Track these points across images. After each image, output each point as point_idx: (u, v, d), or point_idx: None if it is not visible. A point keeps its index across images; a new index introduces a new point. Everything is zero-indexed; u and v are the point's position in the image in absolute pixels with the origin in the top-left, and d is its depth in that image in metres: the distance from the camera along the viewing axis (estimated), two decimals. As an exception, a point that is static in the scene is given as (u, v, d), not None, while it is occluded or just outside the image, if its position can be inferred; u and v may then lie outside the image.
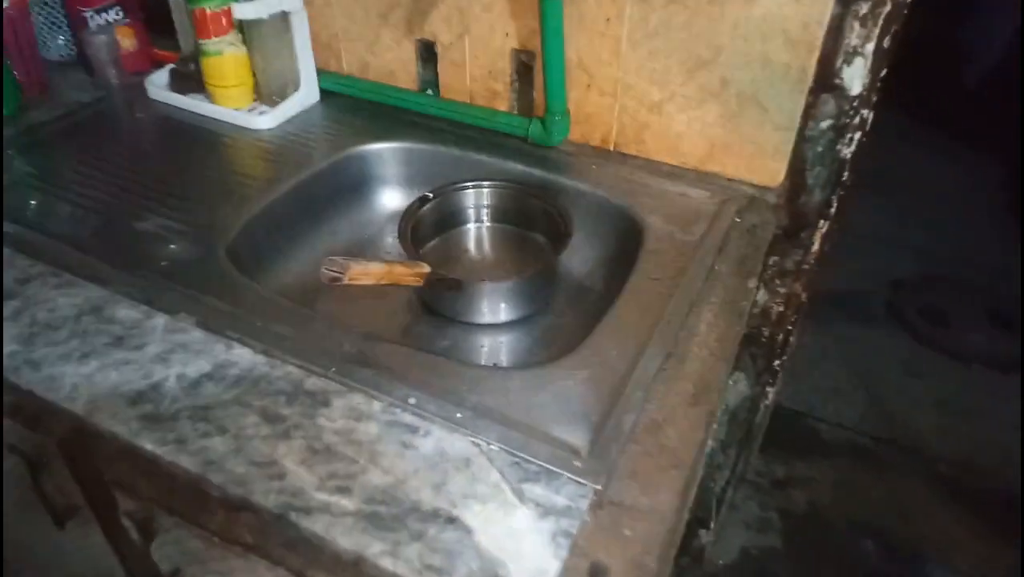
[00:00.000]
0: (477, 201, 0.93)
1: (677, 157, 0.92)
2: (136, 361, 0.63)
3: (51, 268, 0.74)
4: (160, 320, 0.67)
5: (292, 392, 0.60)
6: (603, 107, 0.92)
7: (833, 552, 1.42)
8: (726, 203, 0.87)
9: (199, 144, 0.98)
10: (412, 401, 0.59)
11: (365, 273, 0.68)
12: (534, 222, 0.92)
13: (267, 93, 1.02)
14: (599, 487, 0.52)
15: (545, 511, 0.51)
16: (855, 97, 0.81)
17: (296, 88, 1.02)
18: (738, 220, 0.84)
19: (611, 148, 0.95)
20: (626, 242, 0.86)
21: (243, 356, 0.63)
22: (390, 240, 0.97)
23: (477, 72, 0.98)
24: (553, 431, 0.57)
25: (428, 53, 1.00)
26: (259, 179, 0.92)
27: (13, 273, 0.73)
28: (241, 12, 0.91)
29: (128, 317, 0.68)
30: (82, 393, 0.60)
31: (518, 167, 0.94)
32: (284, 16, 0.96)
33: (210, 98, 1.02)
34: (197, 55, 1.00)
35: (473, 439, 0.56)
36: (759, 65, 0.81)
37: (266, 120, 0.99)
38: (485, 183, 0.92)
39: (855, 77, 0.79)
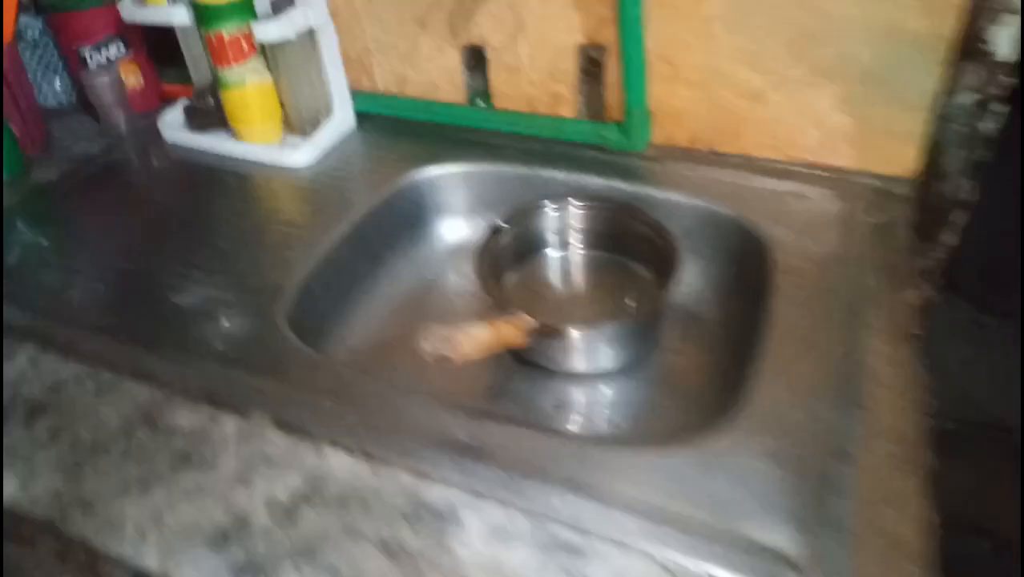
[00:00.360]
0: (559, 224, 0.81)
1: (785, 151, 0.79)
2: (211, 486, 0.51)
3: (85, 367, 0.62)
4: (230, 423, 0.56)
5: (411, 510, 0.48)
6: (691, 101, 0.80)
7: (948, 559, 1.31)
8: (852, 201, 0.74)
9: (229, 190, 0.86)
10: (561, 509, 0.47)
11: (473, 342, 0.56)
12: (628, 245, 0.79)
13: (298, 123, 0.90)
14: (847, 619, 0.40)
15: (782, 659, 0.39)
16: (1003, 64, 0.68)
17: (329, 114, 0.90)
18: (871, 220, 0.72)
19: (702, 148, 0.83)
20: (743, 259, 0.74)
21: (339, 464, 0.52)
22: (454, 279, 0.85)
23: (536, 75, 0.85)
24: (749, 531, 0.46)
25: (476, 59, 0.87)
26: (306, 227, 0.79)
27: (42, 378, 0.61)
28: (264, 33, 0.79)
29: (190, 424, 0.56)
30: (151, 538, 0.48)
31: (598, 181, 0.82)
32: (310, 33, 0.84)
33: (234, 135, 0.90)
34: (214, 87, 0.88)
35: (654, 556, 0.44)
36: (884, 35, 0.69)
37: (302, 155, 0.87)
38: (564, 203, 0.80)
39: (1005, 39, 0.67)
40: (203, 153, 0.91)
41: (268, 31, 0.78)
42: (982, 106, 0.71)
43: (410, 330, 0.78)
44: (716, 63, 0.76)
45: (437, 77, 0.90)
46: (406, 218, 0.86)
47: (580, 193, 0.81)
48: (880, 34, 0.69)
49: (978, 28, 0.67)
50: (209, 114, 0.90)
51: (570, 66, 0.82)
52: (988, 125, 0.72)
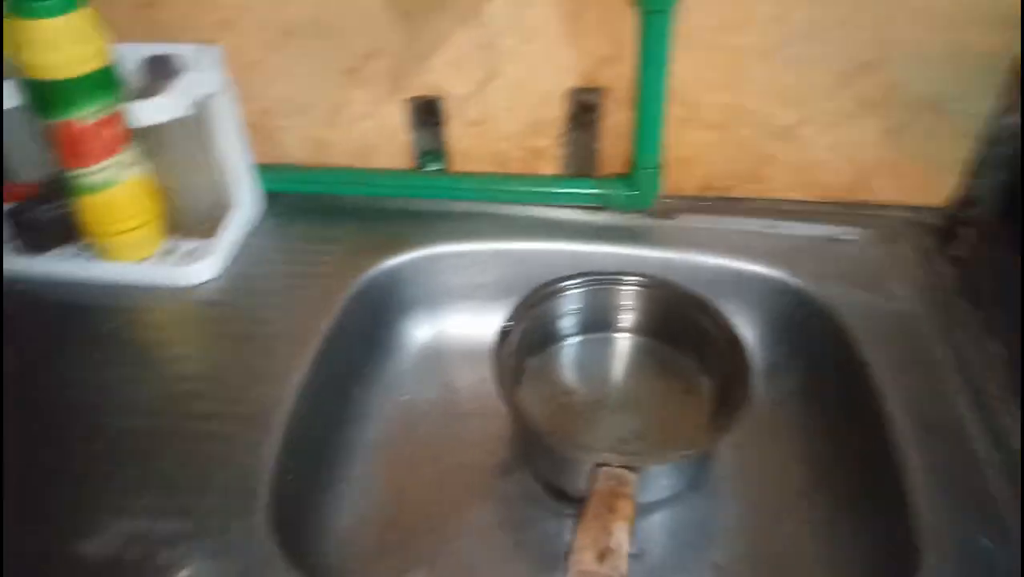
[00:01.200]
0: (573, 309, 0.65)
1: (812, 190, 0.69)
2: None
3: None
4: None
5: None
6: (706, 144, 0.67)
7: None
8: (897, 242, 0.66)
9: (104, 341, 0.58)
10: None
11: (625, 543, 0.40)
12: (660, 327, 0.65)
13: (189, 221, 0.65)
14: None
15: None
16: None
17: (231, 203, 0.66)
18: (921, 261, 0.64)
19: (714, 194, 0.70)
20: (795, 325, 0.63)
21: None
22: (434, 390, 0.66)
23: (512, 127, 0.67)
24: None
25: (427, 114, 0.68)
26: (239, 381, 0.55)
27: None
28: (144, 115, 0.54)
29: None
30: None
31: (602, 249, 0.67)
32: (201, 102, 0.59)
33: (97, 252, 0.63)
34: (59, 187, 0.61)
35: None
36: (944, 59, 0.60)
37: (205, 267, 0.63)
38: (575, 284, 0.64)
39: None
40: (50, 284, 0.63)
41: (150, 112, 0.53)
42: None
43: (407, 488, 0.59)
44: (742, 99, 0.63)
45: (373, 137, 0.69)
46: (366, 331, 0.65)
47: (583, 266, 0.65)
48: (941, 59, 0.60)
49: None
50: (54, 223, 0.63)
51: (557, 114, 0.66)
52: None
